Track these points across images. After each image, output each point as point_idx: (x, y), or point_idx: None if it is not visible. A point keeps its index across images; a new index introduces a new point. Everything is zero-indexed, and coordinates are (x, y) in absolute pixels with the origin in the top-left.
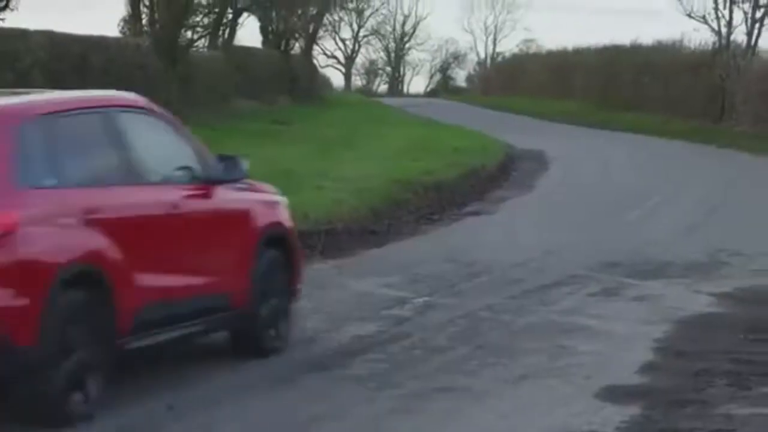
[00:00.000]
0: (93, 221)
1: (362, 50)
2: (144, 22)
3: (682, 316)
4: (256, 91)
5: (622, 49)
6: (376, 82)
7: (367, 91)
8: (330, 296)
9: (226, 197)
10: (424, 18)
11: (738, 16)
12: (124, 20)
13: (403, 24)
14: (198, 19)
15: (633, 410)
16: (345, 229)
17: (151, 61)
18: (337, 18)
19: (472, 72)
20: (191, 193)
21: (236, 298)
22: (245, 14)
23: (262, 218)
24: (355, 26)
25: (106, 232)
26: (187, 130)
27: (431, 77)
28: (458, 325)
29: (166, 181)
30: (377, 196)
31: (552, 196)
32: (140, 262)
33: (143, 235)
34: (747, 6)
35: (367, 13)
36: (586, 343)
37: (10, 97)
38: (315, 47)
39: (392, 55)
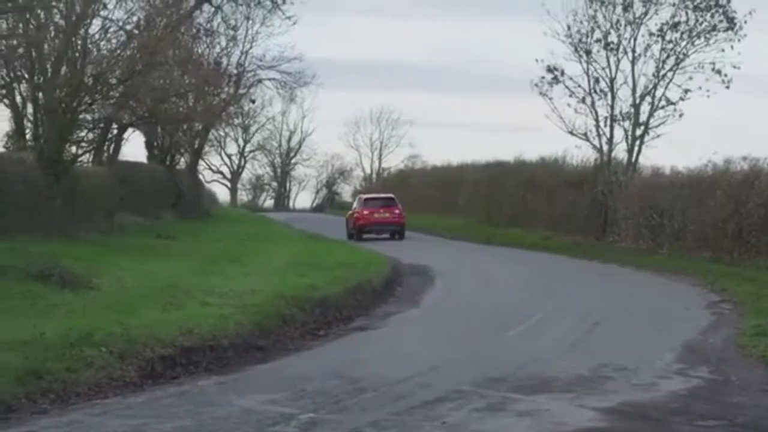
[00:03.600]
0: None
1: (248, 165)
2: (28, 137)
3: (566, 430)
4: (140, 206)
5: (506, 165)
6: (262, 197)
7: (252, 205)
8: (214, 413)
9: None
10: (310, 134)
11: (619, 134)
12: (8, 135)
13: (289, 140)
14: (83, 134)
15: None
16: (230, 345)
17: (34, 175)
18: (222, 134)
19: (357, 187)
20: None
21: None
22: (130, 129)
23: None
24: (241, 142)
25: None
26: None
27: (317, 192)
28: None
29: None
30: (263, 311)
31: (437, 311)
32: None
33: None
34: (627, 124)
35: (252, 128)
36: None
37: None
38: (201, 162)
39: (278, 170)
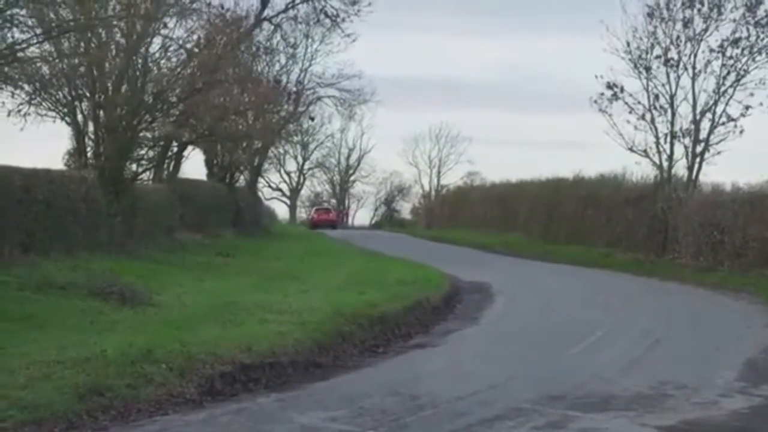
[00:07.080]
0: None
1: (307, 182)
2: (89, 155)
3: None
4: (200, 224)
5: (565, 182)
6: None
7: None
8: (274, 430)
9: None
10: (369, 151)
11: (679, 151)
12: (69, 153)
13: (348, 157)
14: (143, 152)
15: None
16: (290, 362)
17: (95, 193)
18: (282, 151)
19: (416, 204)
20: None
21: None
22: (190, 147)
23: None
24: (300, 159)
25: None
26: None
27: (376, 209)
28: None
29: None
30: (322, 328)
31: (497, 328)
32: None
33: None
34: (687, 141)
35: (312, 146)
36: None
37: None
38: (260, 179)
39: (337, 187)
